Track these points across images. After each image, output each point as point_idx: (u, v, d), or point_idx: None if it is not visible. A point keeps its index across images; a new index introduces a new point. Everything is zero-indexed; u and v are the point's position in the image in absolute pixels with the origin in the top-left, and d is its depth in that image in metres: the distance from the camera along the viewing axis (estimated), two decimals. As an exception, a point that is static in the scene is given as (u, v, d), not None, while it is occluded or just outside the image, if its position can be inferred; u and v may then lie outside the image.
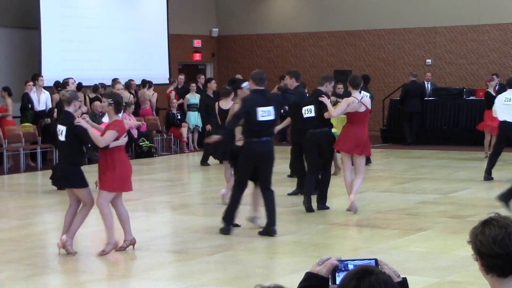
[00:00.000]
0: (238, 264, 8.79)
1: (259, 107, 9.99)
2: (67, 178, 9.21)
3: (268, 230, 10.09)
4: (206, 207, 12.69)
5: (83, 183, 9.19)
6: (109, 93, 10.59)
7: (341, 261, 3.00)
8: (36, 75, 19.45)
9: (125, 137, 9.26)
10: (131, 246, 9.38)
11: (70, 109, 9.18)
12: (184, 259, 9.05)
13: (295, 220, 11.28)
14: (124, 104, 10.89)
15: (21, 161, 17.70)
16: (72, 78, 17.25)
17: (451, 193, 13.58)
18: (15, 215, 12.33)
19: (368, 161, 14.99)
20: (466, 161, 18.40)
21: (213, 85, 18.64)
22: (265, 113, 10.04)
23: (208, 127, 18.05)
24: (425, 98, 22.44)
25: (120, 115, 9.47)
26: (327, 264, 3.00)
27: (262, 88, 10.22)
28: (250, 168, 10.19)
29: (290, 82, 12.89)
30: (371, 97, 16.89)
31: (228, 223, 10.30)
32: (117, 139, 9.04)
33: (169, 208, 13.13)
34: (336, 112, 11.57)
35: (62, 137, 9.08)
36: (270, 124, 10.14)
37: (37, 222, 11.74)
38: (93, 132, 9.02)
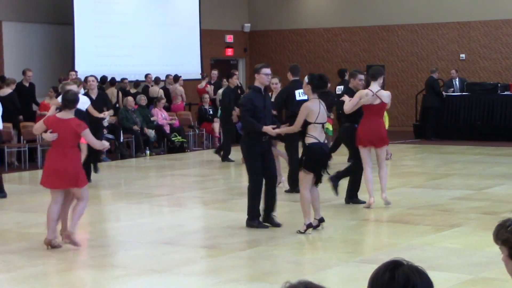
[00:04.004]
0: (269, 260, 8.76)
1: None
2: None
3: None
4: (238, 202, 12.67)
5: None
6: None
7: None
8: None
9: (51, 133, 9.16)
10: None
11: None
12: (216, 254, 9.05)
13: (327, 215, 11.22)
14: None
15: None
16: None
17: (485, 189, 13.45)
18: (48, 210, 12.36)
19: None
20: (500, 156, 18.21)
21: (234, 81, 18.64)
22: None
23: (235, 116, 18.06)
24: (453, 94, 22.29)
25: (72, 111, 9.32)
26: None
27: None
28: None
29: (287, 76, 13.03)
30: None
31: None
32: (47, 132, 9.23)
33: (200, 203, 13.14)
34: (347, 107, 11.47)
35: None
36: None
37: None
38: None
